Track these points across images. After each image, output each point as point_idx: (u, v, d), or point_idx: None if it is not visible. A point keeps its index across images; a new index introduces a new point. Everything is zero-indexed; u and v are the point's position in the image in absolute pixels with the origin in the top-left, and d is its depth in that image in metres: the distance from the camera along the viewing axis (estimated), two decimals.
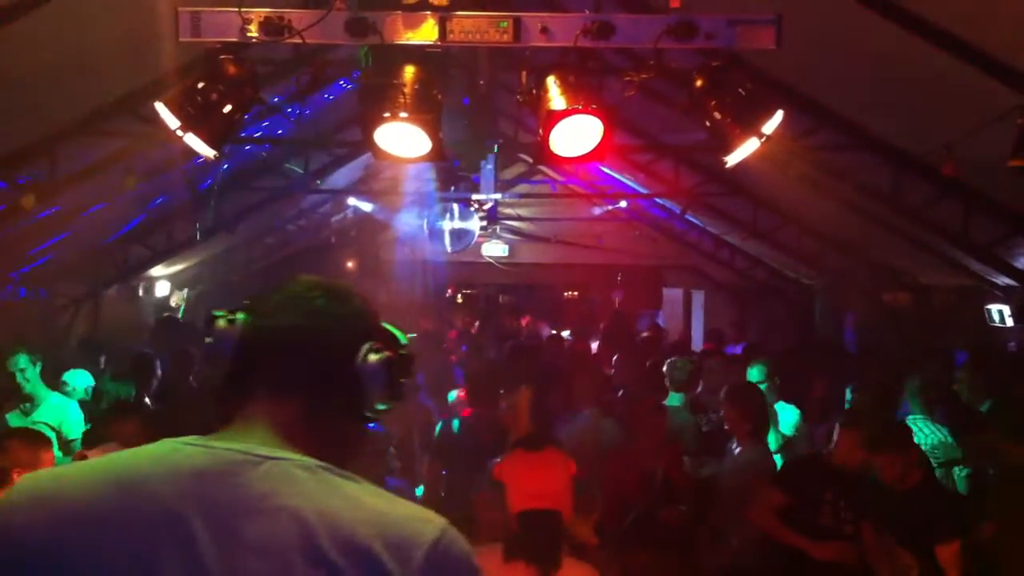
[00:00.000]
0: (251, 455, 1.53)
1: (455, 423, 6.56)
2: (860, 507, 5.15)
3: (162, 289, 12.72)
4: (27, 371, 6.73)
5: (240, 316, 1.71)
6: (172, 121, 4.28)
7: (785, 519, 5.30)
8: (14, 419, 6.63)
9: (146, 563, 1.40)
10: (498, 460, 5.22)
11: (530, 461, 5.41)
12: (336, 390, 1.69)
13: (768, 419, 6.51)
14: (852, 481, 5.24)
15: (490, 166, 10.80)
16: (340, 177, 12.55)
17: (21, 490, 1.50)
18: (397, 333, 1.80)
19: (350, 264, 16.82)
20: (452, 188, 11.63)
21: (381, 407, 1.73)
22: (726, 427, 6.45)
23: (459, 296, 22.58)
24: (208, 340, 1.71)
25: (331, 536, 1.43)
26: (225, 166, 8.60)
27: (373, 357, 1.69)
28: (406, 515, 1.51)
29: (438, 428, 6.70)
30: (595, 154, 4.50)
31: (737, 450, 6.31)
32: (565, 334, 14.16)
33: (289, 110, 5.28)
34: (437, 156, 4.55)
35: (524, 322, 16.99)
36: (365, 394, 1.70)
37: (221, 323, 1.71)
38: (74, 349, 9.67)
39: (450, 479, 6.29)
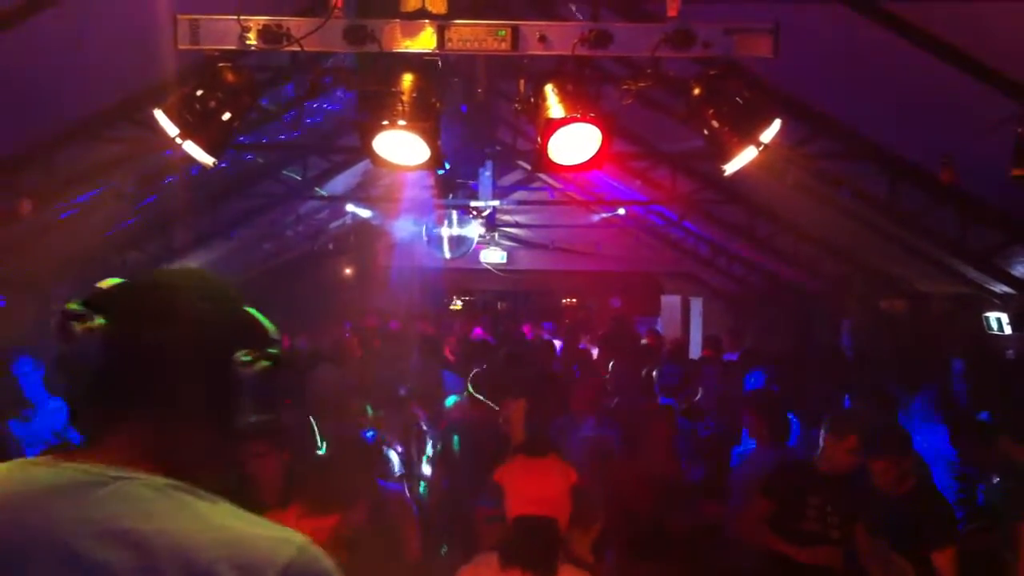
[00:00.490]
0: (98, 475, 1.44)
1: (455, 438, 6.50)
2: (848, 511, 5.17)
3: None
4: (30, 376, 6.71)
5: (99, 321, 1.51)
6: (171, 128, 4.28)
7: (772, 525, 5.31)
8: (15, 427, 6.61)
9: None
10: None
11: (530, 467, 5.43)
12: (206, 402, 1.56)
13: (786, 424, 6.49)
14: (839, 486, 5.25)
15: (488, 173, 10.83)
16: (338, 183, 12.56)
17: None
18: (265, 325, 1.66)
19: (348, 270, 16.82)
20: (450, 195, 11.63)
21: (253, 419, 1.59)
22: (747, 432, 6.47)
23: (458, 302, 22.55)
24: (62, 346, 1.51)
25: (173, 559, 1.36)
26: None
27: (247, 368, 1.58)
28: (260, 535, 1.43)
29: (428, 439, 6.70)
30: (593, 162, 4.50)
31: (753, 449, 6.32)
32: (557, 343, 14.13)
33: (287, 118, 5.28)
34: (436, 164, 4.55)
35: (526, 330, 16.99)
36: (238, 405, 1.58)
37: (78, 328, 1.50)
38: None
39: (452, 488, 6.28)
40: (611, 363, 9.54)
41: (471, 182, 11.01)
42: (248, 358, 1.58)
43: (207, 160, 4.41)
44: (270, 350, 1.62)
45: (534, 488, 5.22)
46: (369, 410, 6.88)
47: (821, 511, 5.24)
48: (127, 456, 1.48)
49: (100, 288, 1.59)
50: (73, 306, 1.53)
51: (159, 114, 4.32)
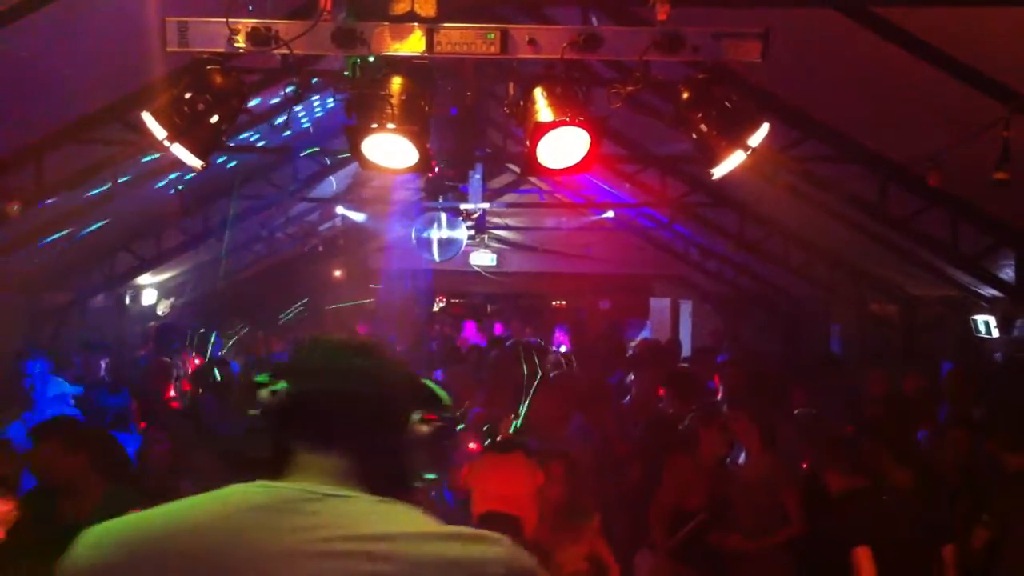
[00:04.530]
0: (310, 491, 1.55)
1: None
2: None
3: (149, 297, 12.68)
4: (38, 377, 6.63)
5: (282, 385, 1.68)
6: (159, 131, 4.28)
7: None
8: (15, 430, 6.54)
9: None
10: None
11: (496, 464, 5.46)
12: (384, 453, 1.68)
13: (775, 429, 6.50)
14: None
15: (478, 176, 10.81)
16: (328, 186, 12.55)
17: (86, 541, 1.53)
18: (439, 392, 1.79)
19: (338, 273, 16.80)
20: (440, 198, 11.62)
21: (429, 476, 1.72)
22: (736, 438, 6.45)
23: (444, 304, 22.51)
24: (252, 412, 1.70)
25: (399, 562, 1.44)
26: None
27: (423, 428, 1.69)
28: (477, 535, 1.53)
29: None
30: (582, 166, 4.50)
31: (743, 458, 6.31)
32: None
33: (278, 122, 5.27)
34: (424, 167, 4.56)
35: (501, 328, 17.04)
36: (413, 462, 1.70)
37: (264, 395, 1.69)
38: (77, 349, 9.56)
39: None
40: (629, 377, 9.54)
41: (461, 185, 11.00)
42: (424, 422, 1.70)
43: (195, 163, 4.41)
44: (445, 415, 1.75)
45: (499, 485, 5.24)
46: None
47: None
48: (327, 481, 1.60)
49: (280, 363, 1.79)
50: (262, 378, 1.72)
51: (147, 117, 4.32)
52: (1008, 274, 7.87)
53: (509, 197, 14.11)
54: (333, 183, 12.18)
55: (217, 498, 1.57)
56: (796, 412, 7.71)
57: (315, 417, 1.66)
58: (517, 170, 11.83)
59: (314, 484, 1.57)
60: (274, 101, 7.08)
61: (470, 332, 16.14)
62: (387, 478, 1.66)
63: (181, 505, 1.57)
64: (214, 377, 8.47)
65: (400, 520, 1.52)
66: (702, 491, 5.97)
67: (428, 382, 1.80)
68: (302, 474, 1.61)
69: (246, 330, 12.39)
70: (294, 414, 1.66)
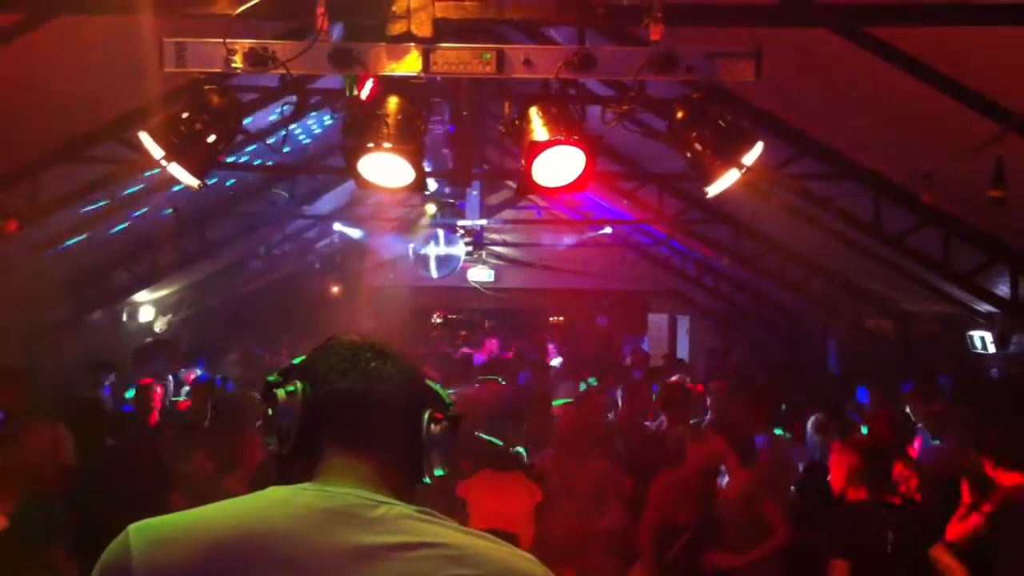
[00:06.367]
0: (364, 498, 1.57)
1: None
2: None
3: (146, 314, 12.68)
4: None
5: (299, 385, 1.70)
6: (156, 151, 4.30)
7: None
8: None
9: None
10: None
11: (495, 482, 5.45)
12: (403, 453, 1.71)
13: (753, 445, 6.51)
14: None
15: (476, 192, 10.86)
16: (326, 203, 12.58)
17: (144, 537, 1.50)
18: (442, 392, 1.82)
19: (335, 289, 16.80)
20: (438, 215, 11.65)
21: (439, 473, 1.75)
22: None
23: (441, 320, 22.52)
24: (269, 412, 1.71)
25: (473, 568, 1.48)
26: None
27: (435, 427, 1.73)
28: (513, 552, 1.58)
29: None
30: (577, 184, 4.52)
31: (726, 481, 6.29)
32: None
33: (273, 140, 5.29)
34: (420, 186, 4.58)
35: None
36: (427, 460, 1.73)
37: (282, 394, 1.69)
38: (80, 370, 9.52)
39: None
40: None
41: (459, 202, 11.05)
42: (436, 421, 1.74)
43: (192, 182, 4.43)
44: (450, 414, 1.78)
45: (497, 503, 5.23)
46: None
47: None
48: (366, 486, 1.62)
49: (292, 363, 1.78)
50: (273, 378, 1.73)
51: (144, 136, 4.34)
52: (1004, 290, 7.89)
53: (507, 213, 14.16)
54: (330, 203, 12.20)
55: (275, 501, 1.56)
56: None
57: (343, 418, 1.68)
58: (515, 186, 11.87)
59: (358, 489, 1.58)
60: (272, 118, 7.11)
61: (492, 349, 16.38)
62: (407, 478, 1.71)
63: (237, 506, 1.56)
64: (217, 388, 8.45)
65: (455, 529, 1.56)
66: (690, 507, 5.95)
67: (430, 381, 1.83)
68: (338, 477, 1.62)
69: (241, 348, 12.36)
70: (319, 415, 1.68)
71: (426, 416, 1.73)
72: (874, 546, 4.83)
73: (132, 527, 1.51)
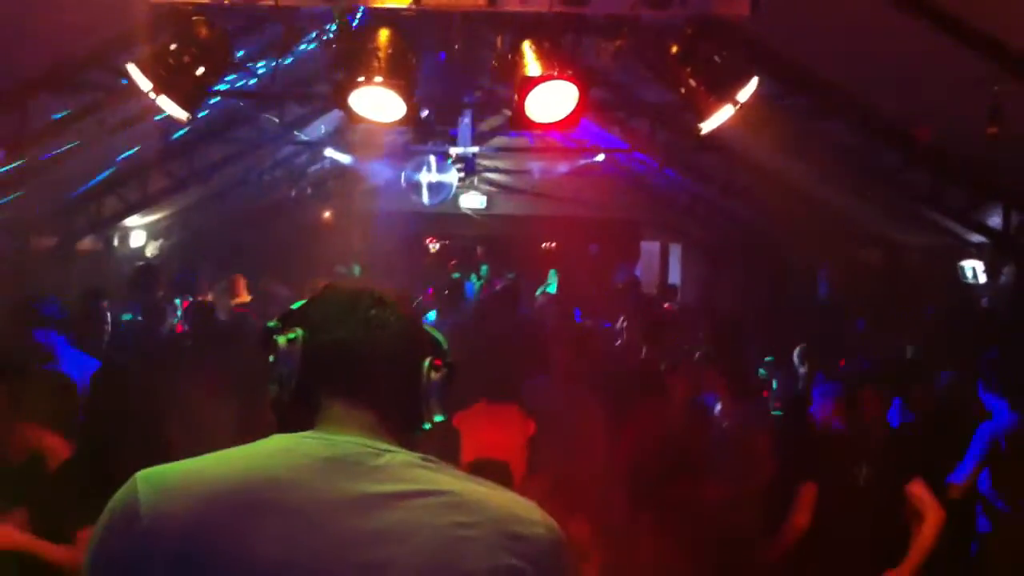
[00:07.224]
0: (367, 446, 1.59)
1: None
2: None
3: (137, 239, 12.62)
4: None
5: (299, 332, 1.72)
6: (144, 83, 4.25)
7: None
8: None
9: (290, 545, 1.45)
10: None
11: (490, 414, 5.49)
12: (402, 400, 1.73)
13: (747, 374, 6.53)
14: None
15: (467, 120, 10.75)
16: (316, 128, 12.44)
17: (151, 486, 1.51)
18: (439, 337, 1.84)
19: (326, 215, 16.73)
20: (429, 142, 11.54)
21: (438, 418, 1.77)
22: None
23: (434, 247, 22.50)
24: (270, 359, 1.72)
25: (473, 515, 1.51)
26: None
27: (435, 374, 1.75)
28: (518, 499, 1.61)
29: None
30: (570, 120, 4.49)
31: (719, 410, 6.34)
32: None
33: (263, 68, 5.22)
34: (412, 120, 4.54)
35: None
36: (427, 407, 1.75)
37: (282, 342, 1.71)
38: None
39: None
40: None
41: (450, 129, 10.93)
42: (435, 368, 1.76)
43: (181, 115, 4.39)
44: (448, 360, 1.80)
45: (491, 434, 5.29)
46: None
47: None
48: (367, 435, 1.64)
49: (291, 309, 1.80)
50: (272, 324, 1.75)
51: (132, 68, 4.29)
52: (996, 222, 7.91)
53: (499, 140, 14.04)
54: (321, 128, 12.07)
55: (278, 448, 1.59)
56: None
57: (343, 367, 1.70)
58: (508, 113, 11.75)
59: (360, 437, 1.61)
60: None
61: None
62: (407, 425, 1.74)
63: (242, 455, 1.58)
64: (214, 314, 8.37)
65: (456, 476, 1.59)
66: (664, 439, 5.96)
67: (427, 327, 1.86)
68: (340, 425, 1.65)
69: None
70: (319, 363, 1.70)
71: (426, 363, 1.75)
72: (843, 476, 4.91)
73: (139, 475, 1.54)
